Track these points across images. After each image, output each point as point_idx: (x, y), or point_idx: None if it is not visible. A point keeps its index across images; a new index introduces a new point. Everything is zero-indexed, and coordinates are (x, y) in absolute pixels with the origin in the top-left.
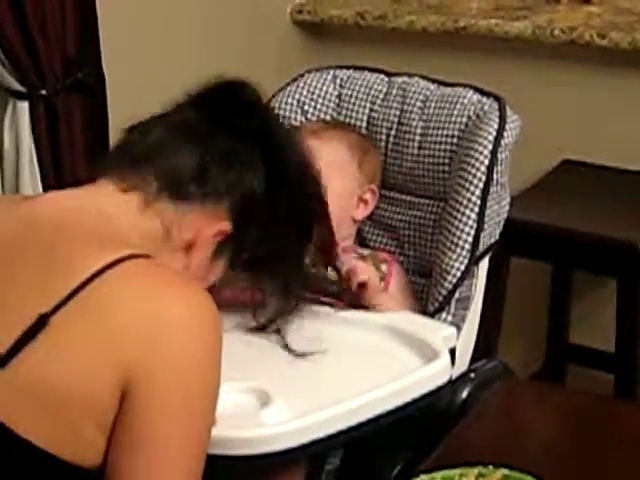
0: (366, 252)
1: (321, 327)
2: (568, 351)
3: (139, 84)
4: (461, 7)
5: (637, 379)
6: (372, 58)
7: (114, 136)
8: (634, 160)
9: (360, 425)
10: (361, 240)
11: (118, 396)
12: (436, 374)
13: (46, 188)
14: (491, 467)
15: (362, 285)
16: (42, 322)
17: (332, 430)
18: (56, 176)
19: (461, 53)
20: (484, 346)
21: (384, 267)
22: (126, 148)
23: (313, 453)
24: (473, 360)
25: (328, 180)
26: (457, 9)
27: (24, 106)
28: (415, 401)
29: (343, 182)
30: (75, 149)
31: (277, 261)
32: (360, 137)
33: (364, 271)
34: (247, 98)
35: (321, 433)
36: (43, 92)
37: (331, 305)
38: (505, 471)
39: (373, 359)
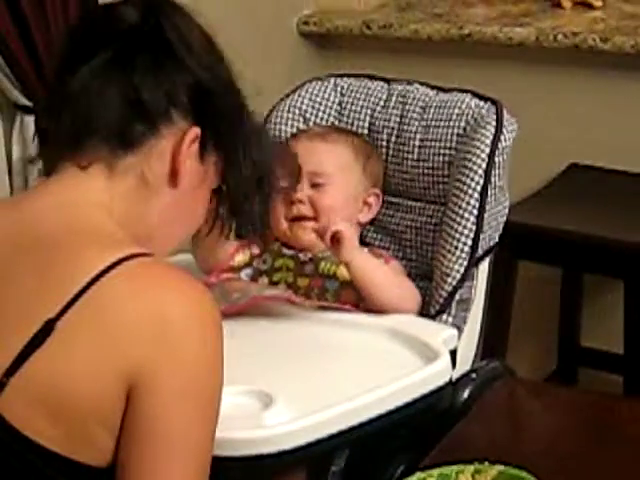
0: (365, 250)
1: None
2: (580, 354)
3: None
4: (466, 15)
5: None
6: (378, 67)
7: None
8: (639, 163)
9: (361, 425)
10: (363, 245)
11: (124, 397)
12: (436, 374)
13: None
14: (487, 464)
15: (337, 237)
16: (48, 328)
17: (334, 430)
18: None
19: (466, 60)
20: (492, 350)
21: (380, 260)
22: (62, 130)
23: (315, 454)
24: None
25: (335, 182)
26: (462, 17)
27: (31, 120)
28: (416, 401)
29: (349, 185)
30: None
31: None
32: (364, 141)
33: (341, 224)
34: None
35: (323, 433)
36: None
37: (333, 308)
38: (501, 468)
39: (374, 360)
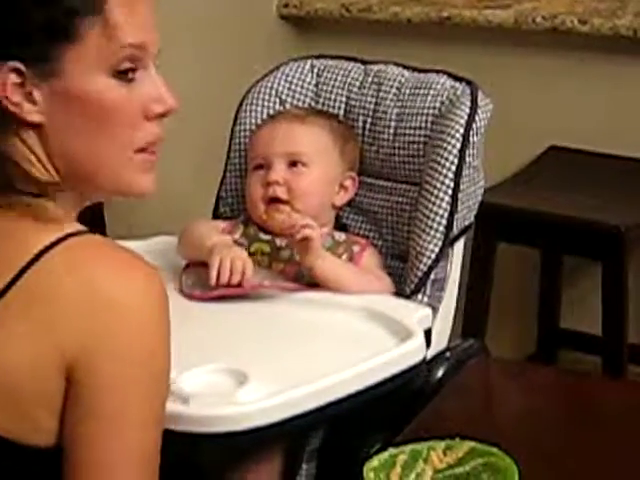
0: (343, 237)
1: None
2: (559, 336)
3: None
4: None
5: (624, 361)
6: (358, 50)
7: None
8: (619, 145)
9: (335, 402)
10: (341, 227)
11: (63, 380)
12: (410, 353)
13: None
14: (458, 440)
15: (304, 240)
16: None
17: (307, 408)
18: None
19: (446, 43)
20: (472, 332)
21: (356, 248)
22: None
23: (290, 431)
24: None
25: (312, 164)
26: (441, 0)
27: None
28: (390, 379)
29: (325, 168)
30: None
31: None
32: (342, 125)
33: (311, 227)
34: None
35: (297, 410)
36: None
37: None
38: (472, 444)
39: (348, 339)
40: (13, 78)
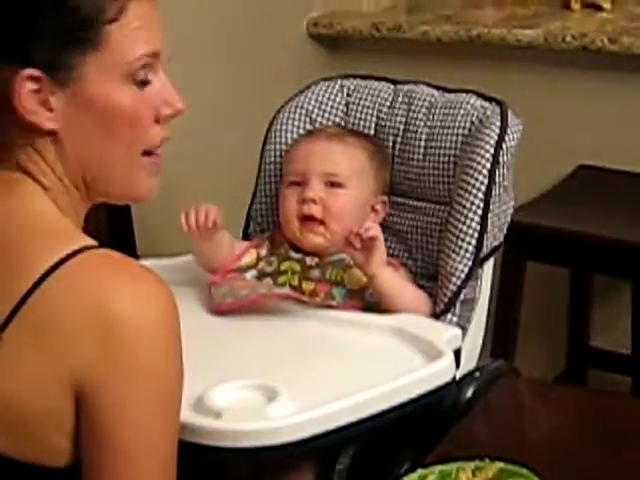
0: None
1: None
2: (589, 355)
3: None
4: (475, 16)
5: None
6: (388, 69)
7: None
8: None
9: (365, 420)
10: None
11: (73, 402)
12: (439, 373)
13: None
14: (488, 461)
15: (370, 243)
16: None
17: (337, 424)
18: None
19: (475, 62)
20: (502, 351)
21: (389, 268)
22: None
23: (319, 448)
24: None
25: (348, 185)
26: (471, 18)
27: None
28: (418, 399)
29: (361, 190)
30: None
31: None
32: (378, 148)
33: (376, 229)
34: None
35: (326, 427)
36: None
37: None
38: (501, 465)
39: (378, 358)
40: (29, 86)
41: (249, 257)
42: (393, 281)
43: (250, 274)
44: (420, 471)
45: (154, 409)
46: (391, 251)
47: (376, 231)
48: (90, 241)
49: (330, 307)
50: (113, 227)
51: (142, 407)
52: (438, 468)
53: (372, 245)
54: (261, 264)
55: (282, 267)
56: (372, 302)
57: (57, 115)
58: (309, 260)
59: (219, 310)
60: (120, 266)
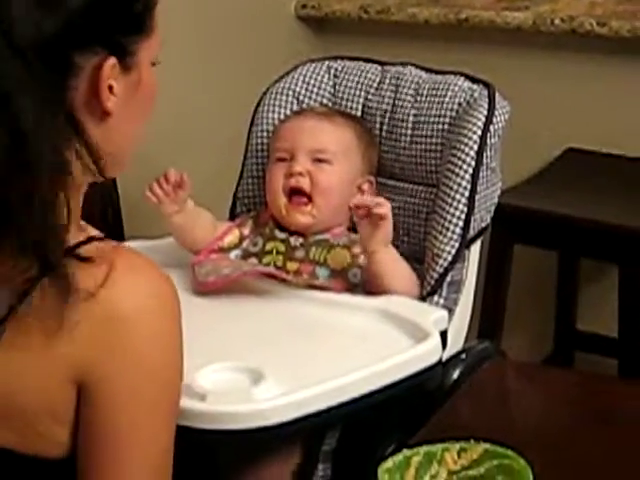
0: (356, 236)
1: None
2: (576, 338)
3: None
4: None
5: None
6: (375, 51)
7: None
8: (636, 147)
9: (351, 402)
10: (356, 229)
11: (74, 394)
12: (425, 354)
13: None
14: (473, 442)
15: (378, 217)
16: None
17: (323, 406)
18: None
19: (464, 44)
20: (489, 334)
21: None
22: None
23: (305, 429)
24: None
25: (335, 162)
26: (459, 1)
27: None
28: (405, 380)
29: (347, 168)
30: None
31: None
32: (366, 128)
33: (387, 208)
34: None
35: (312, 409)
36: None
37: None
38: (487, 446)
39: (364, 340)
40: (111, 73)
41: (232, 236)
42: (389, 261)
43: (234, 254)
44: (405, 451)
45: (155, 399)
46: None
47: (386, 210)
48: (95, 231)
49: (315, 287)
50: (103, 210)
51: (143, 397)
52: (424, 449)
53: (378, 222)
54: (245, 243)
55: (267, 247)
56: (355, 283)
57: (118, 101)
58: (293, 240)
59: (202, 288)
60: (124, 259)
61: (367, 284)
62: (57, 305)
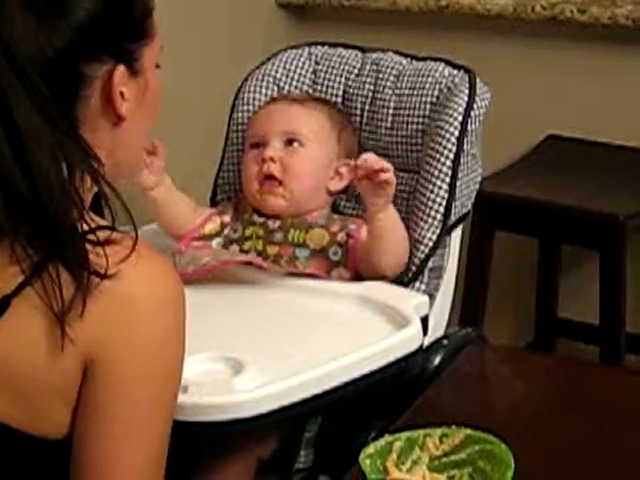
0: (336, 216)
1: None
2: (557, 325)
3: None
4: None
5: (621, 351)
6: (357, 38)
7: None
8: (617, 134)
9: (332, 390)
10: (337, 214)
11: (80, 372)
12: (407, 340)
13: None
14: (455, 427)
15: (382, 181)
16: (4, 304)
17: (304, 395)
18: None
19: (444, 31)
20: (470, 320)
21: (352, 225)
22: None
23: (286, 419)
24: None
25: (308, 145)
26: None
27: None
28: (387, 367)
29: (321, 150)
30: None
31: None
32: (340, 113)
33: (392, 176)
34: None
35: (293, 399)
36: None
37: (304, 275)
38: (468, 431)
39: (345, 327)
40: (121, 80)
41: (212, 224)
42: (389, 224)
43: (216, 242)
44: (387, 437)
45: (159, 387)
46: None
47: (391, 175)
48: (103, 222)
49: (294, 274)
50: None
51: (148, 384)
52: (405, 434)
53: (381, 188)
54: (226, 231)
55: (247, 232)
56: (337, 260)
57: (129, 106)
58: (271, 224)
59: (182, 278)
60: (134, 246)
61: (361, 249)
62: (69, 285)
